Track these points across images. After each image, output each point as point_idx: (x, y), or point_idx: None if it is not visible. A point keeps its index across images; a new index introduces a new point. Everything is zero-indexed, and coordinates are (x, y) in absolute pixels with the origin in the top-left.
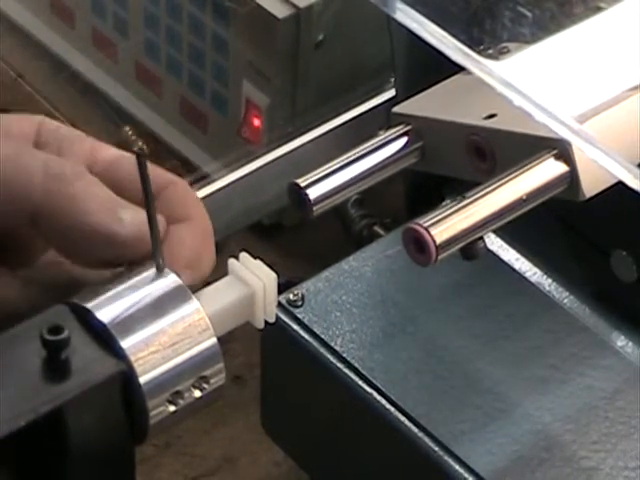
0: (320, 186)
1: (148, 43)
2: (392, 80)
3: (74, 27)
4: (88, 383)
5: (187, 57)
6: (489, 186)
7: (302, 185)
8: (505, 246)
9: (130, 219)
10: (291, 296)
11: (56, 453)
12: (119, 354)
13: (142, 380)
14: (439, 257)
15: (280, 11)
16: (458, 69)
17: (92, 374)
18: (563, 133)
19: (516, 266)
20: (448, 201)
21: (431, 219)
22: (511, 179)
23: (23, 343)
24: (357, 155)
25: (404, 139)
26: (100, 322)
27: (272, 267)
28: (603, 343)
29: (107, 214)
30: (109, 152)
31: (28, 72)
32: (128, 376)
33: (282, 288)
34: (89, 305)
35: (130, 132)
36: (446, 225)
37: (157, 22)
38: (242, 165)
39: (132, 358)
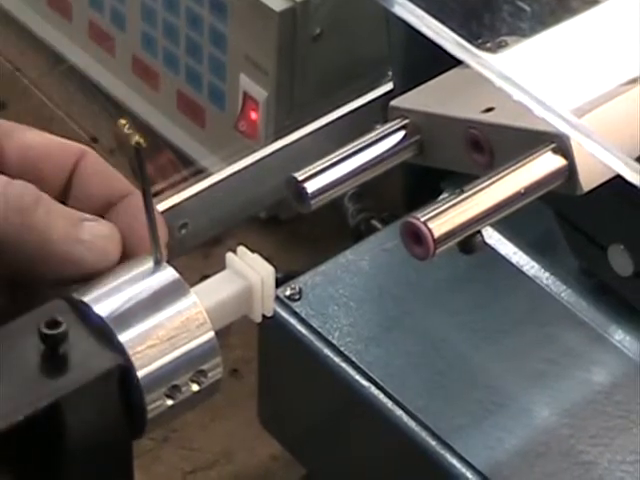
0: (318, 180)
1: (145, 36)
2: (389, 74)
3: (71, 20)
4: (86, 377)
5: (184, 51)
6: (487, 180)
7: (300, 179)
8: (503, 240)
9: (91, 237)
10: (289, 290)
11: (54, 447)
12: (117, 348)
13: (140, 374)
14: (437, 251)
15: (277, 4)
16: (456, 63)
17: (90, 368)
18: (561, 127)
19: (514, 260)
20: (446, 195)
21: (429, 212)
22: (509, 173)
23: (21, 337)
24: (355, 149)
25: (401, 133)
26: (98, 316)
27: (269, 261)
28: (601, 337)
29: (68, 239)
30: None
31: (25, 65)
32: (126, 370)
33: (280, 282)
34: (87, 299)
35: (126, 125)
36: (444, 219)
37: (154, 15)
38: (239, 159)
39: (130, 352)
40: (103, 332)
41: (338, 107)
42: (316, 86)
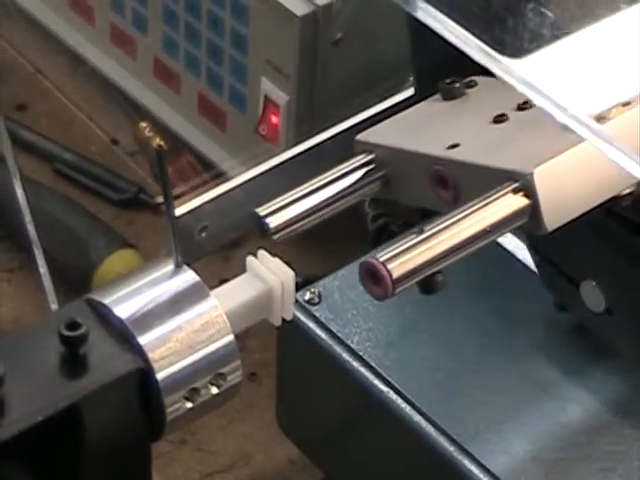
0: (280, 215)
1: (166, 39)
2: (410, 79)
3: (93, 23)
4: (105, 379)
5: (206, 54)
6: (447, 220)
7: (262, 214)
8: (522, 246)
9: None
10: (308, 294)
11: (73, 448)
12: (137, 350)
13: (159, 377)
14: (396, 291)
15: (299, 8)
16: (477, 68)
17: (110, 370)
18: (583, 133)
19: (533, 267)
20: (408, 233)
21: (388, 253)
22: (470, 213)
23: (41, 339)
24: (319, 184)
25: (366, 168)
26: (118, 318)
27: (289, 264)
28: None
29: None
30: None
31: (47, 67)
32: (145, 372)
33: (299, 286)
34: (107, 301)
35: (147, 128)
36: (403, 258)
37: (176, 18)
38: (260, 163)
39: (150, 355)
40: (123, 334)
41: (359, 112)
42: (337, 90)
